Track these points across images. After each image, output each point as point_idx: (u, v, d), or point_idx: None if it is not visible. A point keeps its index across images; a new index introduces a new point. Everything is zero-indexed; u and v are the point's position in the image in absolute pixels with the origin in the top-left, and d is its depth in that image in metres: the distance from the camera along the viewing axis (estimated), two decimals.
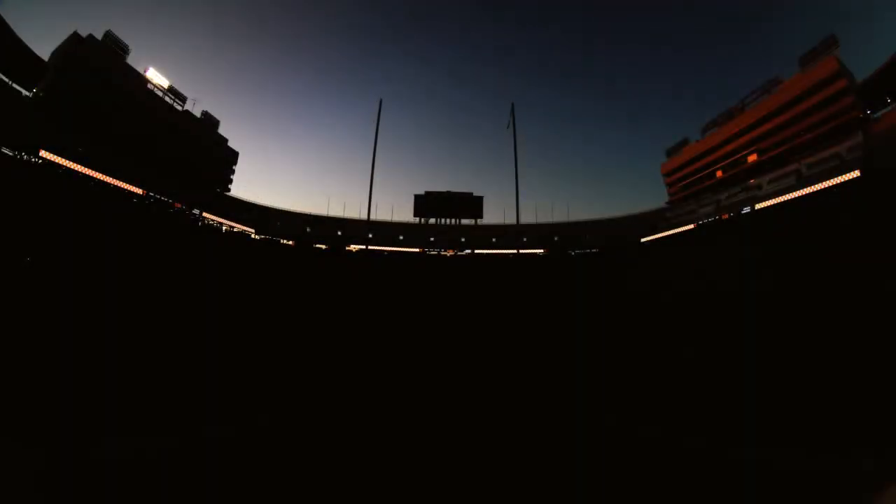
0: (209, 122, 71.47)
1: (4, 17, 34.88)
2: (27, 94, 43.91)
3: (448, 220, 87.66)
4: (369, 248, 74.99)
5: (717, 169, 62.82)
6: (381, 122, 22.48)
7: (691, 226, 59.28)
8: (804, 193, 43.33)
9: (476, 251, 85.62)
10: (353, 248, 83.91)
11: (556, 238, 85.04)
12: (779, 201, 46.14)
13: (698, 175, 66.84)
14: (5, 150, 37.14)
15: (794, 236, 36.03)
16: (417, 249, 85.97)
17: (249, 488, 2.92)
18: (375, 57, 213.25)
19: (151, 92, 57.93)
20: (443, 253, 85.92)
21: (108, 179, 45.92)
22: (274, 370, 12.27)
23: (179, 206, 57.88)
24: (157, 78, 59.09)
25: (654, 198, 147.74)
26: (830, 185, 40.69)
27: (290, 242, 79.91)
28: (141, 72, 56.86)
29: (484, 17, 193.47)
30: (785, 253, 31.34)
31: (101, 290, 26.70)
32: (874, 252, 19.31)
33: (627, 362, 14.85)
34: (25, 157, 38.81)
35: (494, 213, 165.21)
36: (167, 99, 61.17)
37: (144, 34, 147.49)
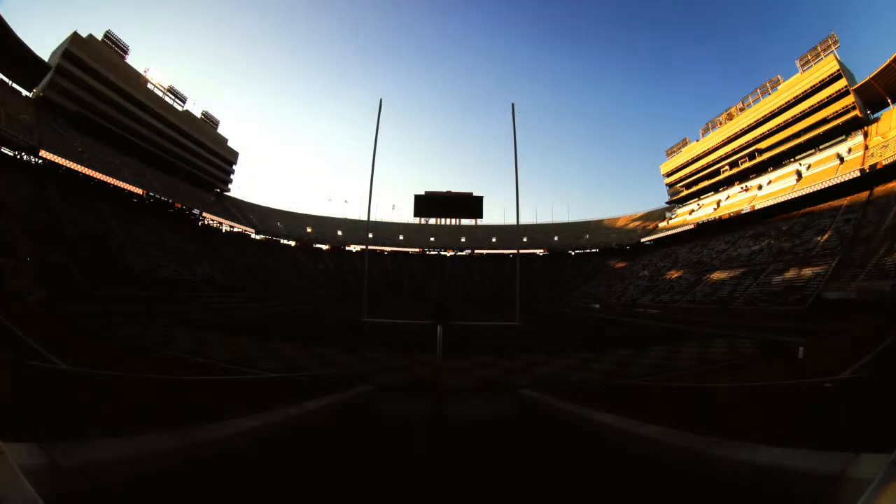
0: (209, 122, 71.47)
1: (4, 18, 34.85)
2: (27, 94, 43.91)
3: (448, 220, 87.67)
4: (370, 247, 74.97)
5: (718, 169, 62.83)
6: (381, 122, 22.45)
7: (692, 225, 59.22)
8: (804, 193, 43.31)
9: (476, 251, 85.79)
10: (354, 247, 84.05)
11: (556, 238, 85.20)
12: (779, 201, 46.11)
13: (698, 175, 66.85)
14: (5, 150, 37.10)
15: None
16: (418, 249, 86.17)
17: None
18: (376, 56, 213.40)
19: (151, 92, 57.91)
20: (443, 253, 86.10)
21: (108, 179, 45.87)
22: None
23: (180, 206, 57.84)
24: (157, 78, 59.10)
25: (655, 198, 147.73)
26: (830, 184, 40.67)
27: (292, 242, 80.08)
28: (141, 72, 56.86)
29: (485, 16, 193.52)
30: None
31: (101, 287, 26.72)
32: None
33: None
34: (26, 157, 38.77)
35: (494, 213, 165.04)
36: (167, 99, 61.16)
37: (144, 34, 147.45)
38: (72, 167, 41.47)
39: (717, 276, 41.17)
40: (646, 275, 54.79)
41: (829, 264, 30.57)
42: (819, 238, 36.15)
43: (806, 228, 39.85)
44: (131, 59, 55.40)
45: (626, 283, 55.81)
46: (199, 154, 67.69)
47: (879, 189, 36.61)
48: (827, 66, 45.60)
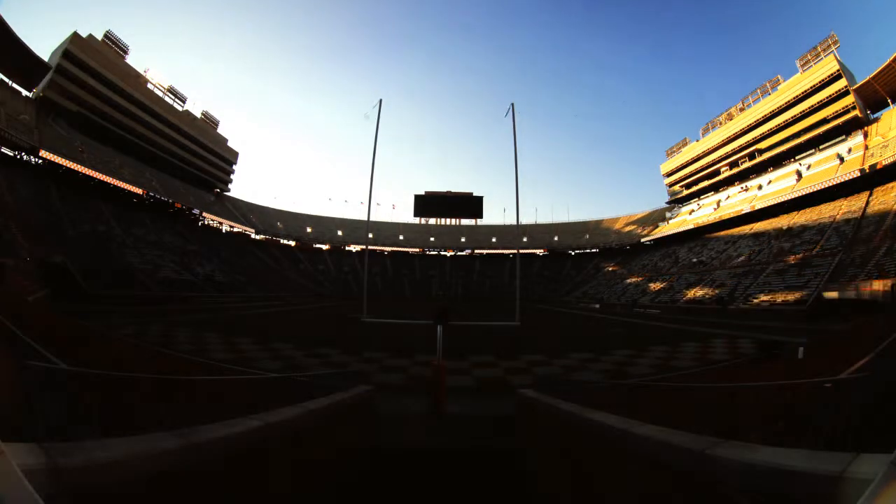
0: (209, 122, 71.44)
1: (4, 18, 34.82)
2: (27, 94, 43.89)
3: (448, 220, 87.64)
4: (370, 247, 74.94)
5: (718, 169, 62.79)
6: (381, 122, 22.48)
7: (692, 225, 59.22)
8: (804, 193, 43.33)
9: (476, 251, 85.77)
10: (354, 247, 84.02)
11: (556, 238, 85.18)
12: (779, 201, 46.13)
13: (698, 175, 66.82)
14: (5, 150, 37.09)
15: None
16: (418, 249, 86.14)
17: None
18: (376, 56, 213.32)
19: (151, 92, 57.89)
20: (443, 253, 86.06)
21: (108, 179, 45.85)
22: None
23: (180, 206, 57.82)
24: (157, 78, 59.10)
25: (655, 198, 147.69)
26: (830, 184, 40.68)
27: (292, 242, 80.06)
28: (141, 72, 56.84)
29: (485, 16, 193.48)
30: None
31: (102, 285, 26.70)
32: None
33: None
34: (26, 157, 38.76)
35: (494, 214, 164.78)
36: (167, 99, 61.14)
37: (144, 34, 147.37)
38: (72, 167, 41.45)
39: (717, 275, 41.20)
40: (646, 275, 54.79)
41: (828, 264, 30.60)
42: (819, 238, 36.17)
43: (806, 228, 39.87)
44: (131, 59, 55.42)
45: (626, 283, 55.81)
46: (199, 154, 67.65)
47: (879, 189, 36.63)
48: (827, 66, 45.58)
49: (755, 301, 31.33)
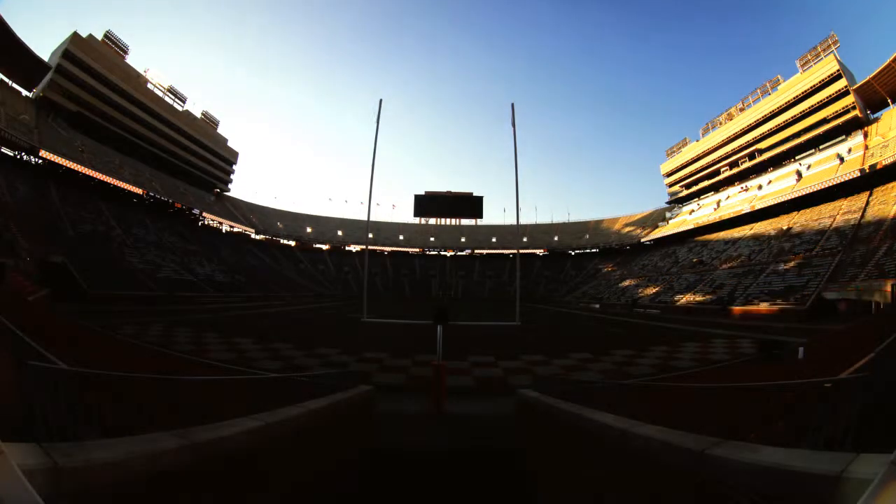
0: (209, 122, 71.41)
1: (4, 18, 34.80)
2: (27, 94, 43.87)
3: (448, 220, 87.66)
4: (370, 247, 74.95)
5: (718, 169, 62.75)
6: (381, 122, 22.52)
7: (692, 225, 59.21)
8: (804, 193, 43.31)
9: (476, 251, 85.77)
10: (354, 247, 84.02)
11: (556, 238, 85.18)
12: (779, 201, 46.12)
13: (698, 175, 66.79)
14: (5, 150, 37.08)
15: None
16: (418, 249, 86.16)
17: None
18: (376, 56, 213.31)
19: (151, 92, 57.87)
20: (443, 253, 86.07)
21: (108, 179, 45.83)
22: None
23: (180, 206, 57.80)
24: (157, 78, 59.08)
25: (655, 198, 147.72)
26: (830, 184, 40.66)
27: (292, 242, 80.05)
28: (141, 72, 56.82)
29: (485, 15, 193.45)
30: None
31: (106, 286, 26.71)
32: None
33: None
34: (26, 157, 38.75)
35: (494, 214, 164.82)
36: (167, 99, 61.11)
37: (144, 34, 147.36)
38: (72, 167, 41.43)
39: (717, 275, 41.19)
40: (646, 275, 54.78)
41: (828, 264, 30.58)
42: (819, 238, 36.16)
43: (806, 228, 39.86)
44: (131, 59, 55.39)
45: (626, 283, 55.80)
46: (199, 154, 67.63)
47: (879, 189, 36.61)
48: (827, 66, 45.55)
49: (755, 301, 31.32)
